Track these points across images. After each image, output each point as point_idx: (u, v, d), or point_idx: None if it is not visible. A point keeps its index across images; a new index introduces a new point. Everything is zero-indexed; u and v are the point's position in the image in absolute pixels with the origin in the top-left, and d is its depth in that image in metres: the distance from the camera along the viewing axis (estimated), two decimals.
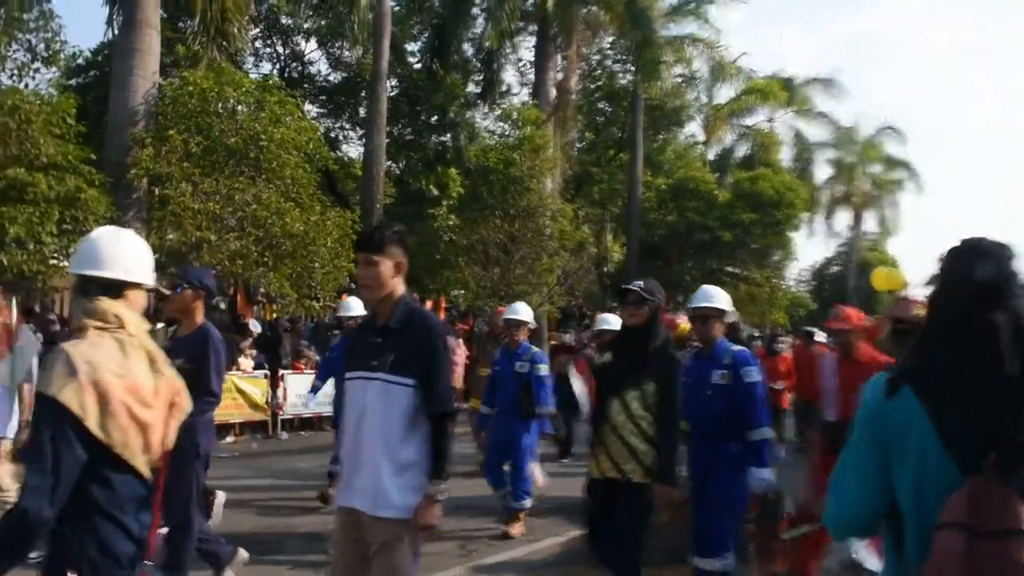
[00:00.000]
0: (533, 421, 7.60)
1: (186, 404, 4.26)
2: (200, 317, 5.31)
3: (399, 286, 3.59)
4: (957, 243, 2.16)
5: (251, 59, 22.30)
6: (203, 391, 5.01)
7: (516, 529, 7.40)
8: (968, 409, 1.94)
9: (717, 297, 5.37)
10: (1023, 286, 2.04)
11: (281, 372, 14.06)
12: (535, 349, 7.80)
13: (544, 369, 7.63)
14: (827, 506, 2.18)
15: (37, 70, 12.48)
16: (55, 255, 12.07)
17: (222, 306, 16.31)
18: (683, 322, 10.06)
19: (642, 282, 4.79)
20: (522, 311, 7.83)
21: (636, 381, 4.58)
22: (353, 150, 25.65)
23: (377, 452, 3.48)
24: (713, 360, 5.21)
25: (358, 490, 3.51)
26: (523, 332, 7.73)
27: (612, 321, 8.16)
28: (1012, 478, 1.85)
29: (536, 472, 7.55)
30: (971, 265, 2.05)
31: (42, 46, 12.42)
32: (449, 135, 20.97)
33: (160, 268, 14.56)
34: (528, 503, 7.55)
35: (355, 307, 7.98)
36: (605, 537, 4.66)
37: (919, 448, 1.97)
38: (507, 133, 21.23)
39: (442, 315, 23.39)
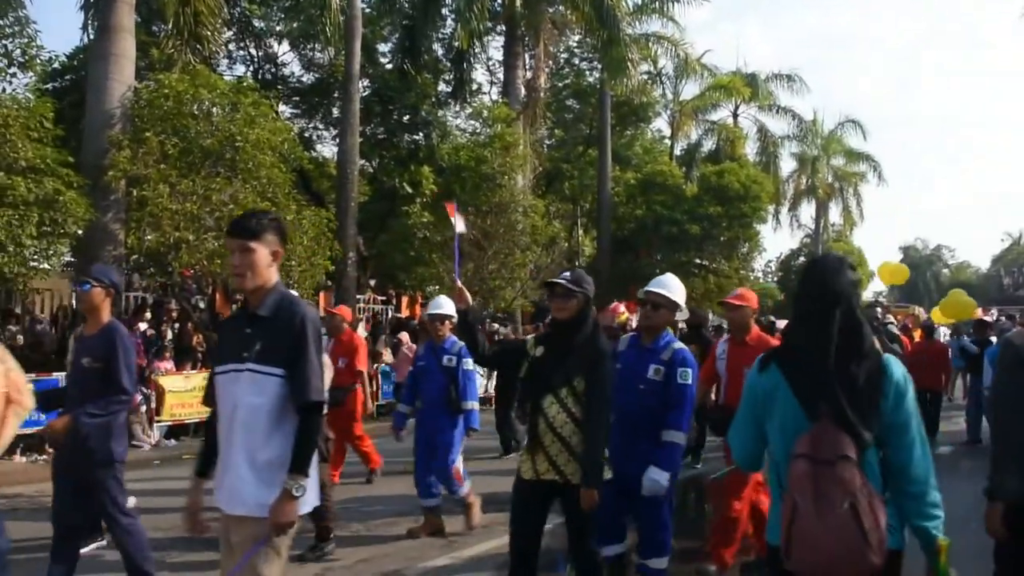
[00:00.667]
0: (460, 416, 7.38)
1: (28, 401, 4.56)
2: (107, 315, 5.16)
3: (273, 275, 3.51)
4: (810, 259, 3.59)
5: (224, 61, 22.48)
6: (113, 390, 4.96)
7: (476, 517, 7.31)
8: (811, 377, 2.80)
9: (671, 287, 5.23)
10: (855, 284, 2.95)
11: None
12: (462, 343, 7.40)
13: (470, 363, 7.31)
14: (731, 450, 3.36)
15: (14, 75, 12.62)
16: (35, 257, 12.24)
17: (201, 305, 16.52)
18: (623, 311, 10.28)
19: (568, 273, 4.62)
20: (445, 305, 7.50)
21: (567, 376, 4.38)
22: (327, 150, 25.89)
23: (240, 447, 3.36)
24: (652, 353, 5.09)
25: (223, 489, 3.42)
26: (447, 326, 7.46)
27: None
28: (840, 423, 2.69)
29: (460, 468, 7.31)
30: (821, 277, 2.94)
31: (18, 51, 12.55)
32: (421, 134, 21.25)
33: (140, 269, 14.81)
34: (467, 488, 7.37)
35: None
36: (526, 541, 4.42)
37: (781, 404, 2.88)
38: (478, 131, 21.55)
39: (417, 311, 23.74)
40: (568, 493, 4.33)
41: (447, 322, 7.48)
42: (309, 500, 3.42)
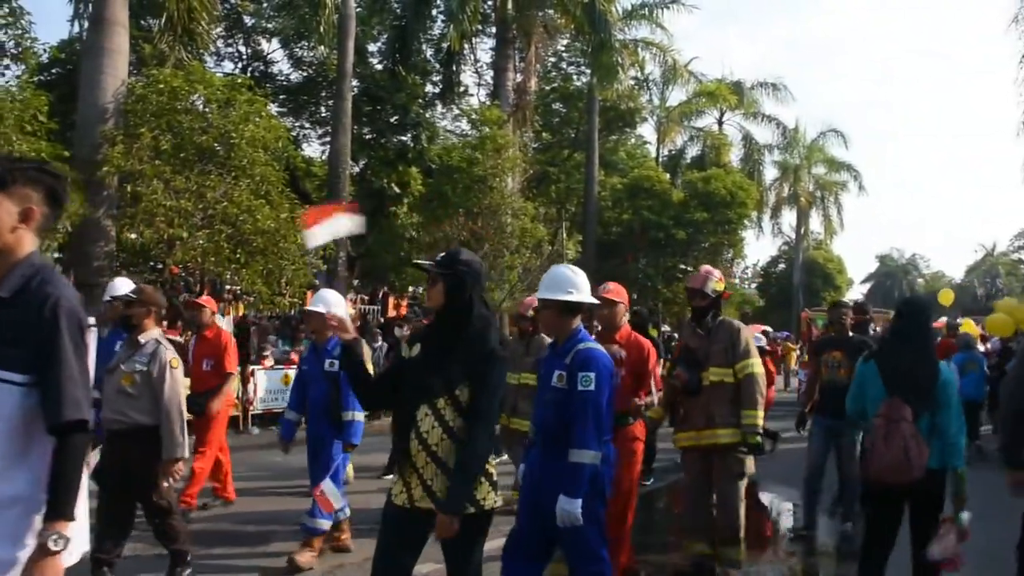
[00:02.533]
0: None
1: None
2: None
3: (25, 242, 2.58)
4: (905, 299, 5.71)
5: (212, 58, 22.35)
6: None
7: (305, 557, 6.13)
8: (892, 371, 4.78)
9: (551, 285, 4.42)
10: (929, 319, 5.12)
11: (251, 368, 14.22)
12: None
13: (336, 365, 6.31)
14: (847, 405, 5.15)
15: (7, 67, 12.49)
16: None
17: None
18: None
19: (444, 254, 3.81)
20: (329, 300, 6.42)
21: (448, 382, 3.60)
22: (312, 149, 25.79)
23: None
24: (558, 357, 4.36)
25: None
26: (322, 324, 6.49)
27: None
28: (904, 400, 4.62)
29: (328, 493, 5.98)
30: (911, 311, 5.08)
31: (12, 43, 12.42)
32: (410, 134, 21.22)
33: (133, 265, 14.69)
34: (327, 524, 6.26)
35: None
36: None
37: (872, 384, 4.86)
38: (466, 133, 21.57)
39: (404, 311, 23.69)
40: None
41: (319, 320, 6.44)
42: (76, 548, 2.62)
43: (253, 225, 13.32)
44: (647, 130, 34.68)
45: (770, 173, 40.20)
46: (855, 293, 57.84)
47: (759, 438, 5.73)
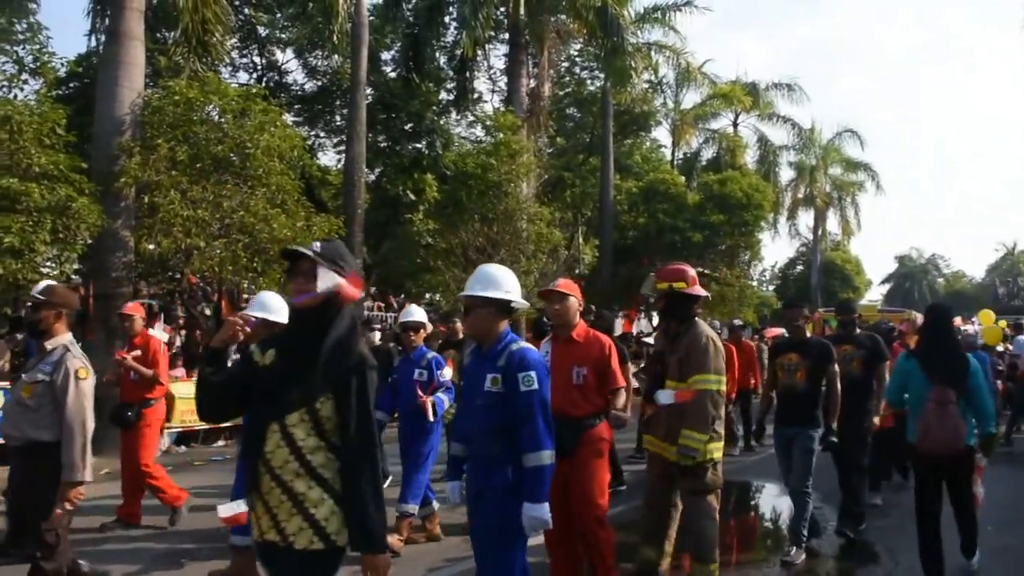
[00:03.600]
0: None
1: None
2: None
3: None
4: (932, 305, 6.71)
5: (227, 69, 22.51)
6: None
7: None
8: (932, 364, 5.90)
9: (496, 283, 4.19)
10: (951, 319, 6.40)
11: None
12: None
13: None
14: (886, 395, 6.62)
15: (26, 82, 12.59)
16: (47, 263, 12.23)
17: (207, 312, 16.51)
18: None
19: (318, 244, 3.28)
20: (271, 305, 5.81)
21: (306, 394, 3.08)
22: (328, 158, 25.91)
23: None
24: (488, 360, 4.14)
25: None
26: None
27: (415, 312, 7.51)
28: (947, 386, 5.73)
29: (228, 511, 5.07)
30: (936, 315, 6.27)
31: (30, 58, 12.53)
32: (425, 141, 21.29)
33: (151, 275, 14.79)
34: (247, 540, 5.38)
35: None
36: None
37: (915, 376, 5.94)
38: (481, 139, 21.58)
39: None
40: (284, 559, 3.07)
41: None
42: None
43: (269, 234, 13.39)
44: (662, 133, 34.69)
45: (786, 174, 40.16)
46: (874, 294, 57.61)
47: (692, 461, 5.26)
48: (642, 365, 14.81)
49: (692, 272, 5.70)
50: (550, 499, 4.21)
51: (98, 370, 12.37)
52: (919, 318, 16.22)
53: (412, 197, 19.91)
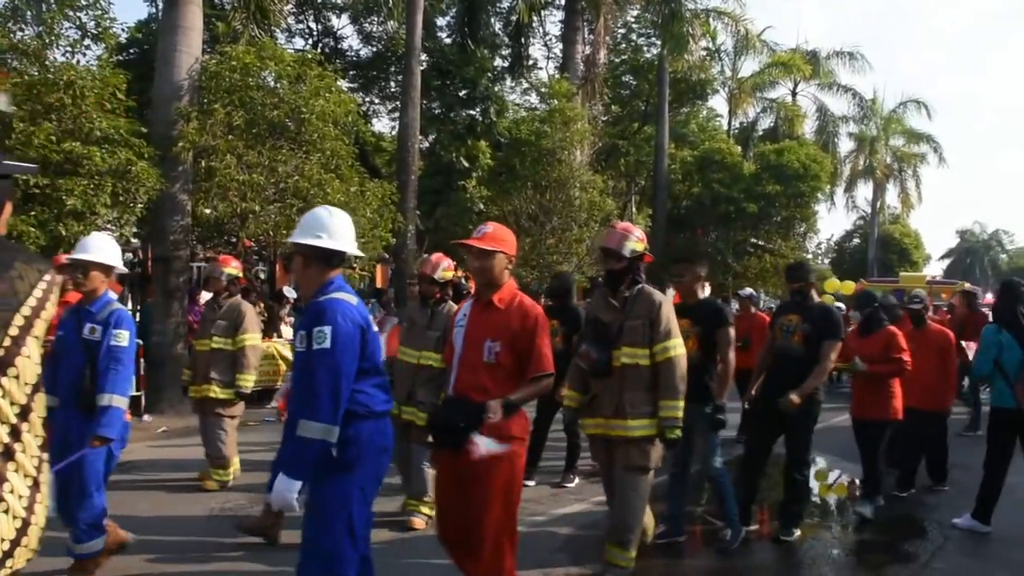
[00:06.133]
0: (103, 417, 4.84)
1: None
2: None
3: None
4: (1003, 283, 7.29)
5: (284, 35, 22.63)
6: None
7: None
8: (1022, 332, 6.72)
9: (309, 226, 3.79)
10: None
11: None
12: (117, 306, 5.14)
13: (125, 338, 5.01)
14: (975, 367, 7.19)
15: (88, 47, 12.78)
16: (107, 226, 12.48)
17: (262, 275, 16.75)
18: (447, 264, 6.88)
19: None
20: (92, 245, 5.12)
21: None
22: (382, 124, 25.98)
23: None
24: (304, 316, 3.79)
25: None
26: (97, 279, 5.12)
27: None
28: None
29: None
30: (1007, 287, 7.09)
31: (92, 23, 12.71)
32: (479, 108, 21.23)
33: (208, 239, 15.03)
34: (100, 543, 5.08)
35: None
36: None
37: (1009, 348, 6.68)
38: (535, 106, 21.47)
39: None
40: None
41: (95, 272, 5.11)
42: None
43: (323, 199, 13.48)
44: (718, 102, 34.17)
45: (845, 145, 39.29)
46: (934, 269, 56.40)
47: (679, 432, 4.99)
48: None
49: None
50: (444, 505, 4.12)
51: (159, 329, 12.66)
52: (974, 290, 15.97)
53: (466, 164, 19.88)
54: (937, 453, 8.57)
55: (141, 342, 12.71)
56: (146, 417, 12.28)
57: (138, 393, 12.40)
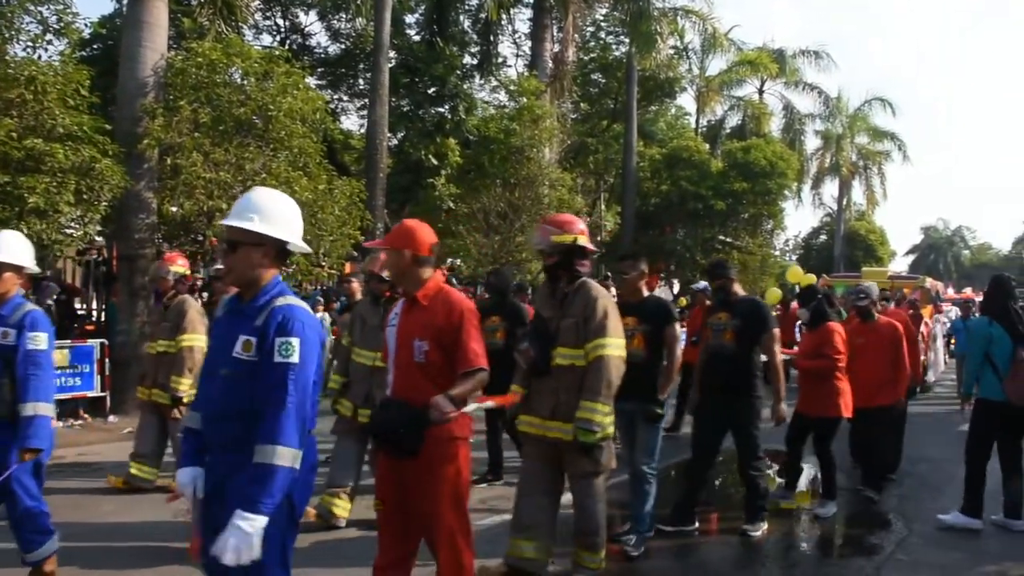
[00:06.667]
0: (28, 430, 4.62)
1: None
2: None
3: None
4: (997, 277, 7.39)
5: (251, 31, 22.42)
6: None
7: None
8: (1015, 329, 6.86)
9: (244, 209, 3.20)
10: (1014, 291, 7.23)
11: None
12: (31, 307, 4.89)
13: (43, 340, 4.78)
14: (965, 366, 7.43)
15: (50, 42, 12.56)
16: (71, 224, 12.31)
17: None
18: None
19: None
20: (3, 245, 4.83)
21: None
22: (351, 122, 25.83)
23: None
24: (245, 317, 3.13)
25: None
26: (9, 281, 4.84)
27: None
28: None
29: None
30: (1009, 287, 7.21)
31: (54, 19, 12.51)
32: (448, 106, 21.18)
33: (174, 237, 14.87)
34: (52, 547, 4.94)
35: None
36: None
37: (1000, 341, 6.86)
38: (504, 104, 21.46)
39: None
40: None
41: (8, 273, 4.84)
42: None
43: (291, 197, 13.39)
44: (686, 100, 34.36)
45: (812, 143, 39.68)
46: (899, 265, 57.07)
47: (595, 436, 4.74)
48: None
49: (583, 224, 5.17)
50: (382, 515, 3.97)
51: (124, 329, 12.49)
52: (935, 285, 16.07)
53: (434, 161, 19.81)
54: (895, 444, 8.73)
55: (106, 342, 12.65)
56: (111, 418, 12.12)
57: (103, 394, 12.26)
